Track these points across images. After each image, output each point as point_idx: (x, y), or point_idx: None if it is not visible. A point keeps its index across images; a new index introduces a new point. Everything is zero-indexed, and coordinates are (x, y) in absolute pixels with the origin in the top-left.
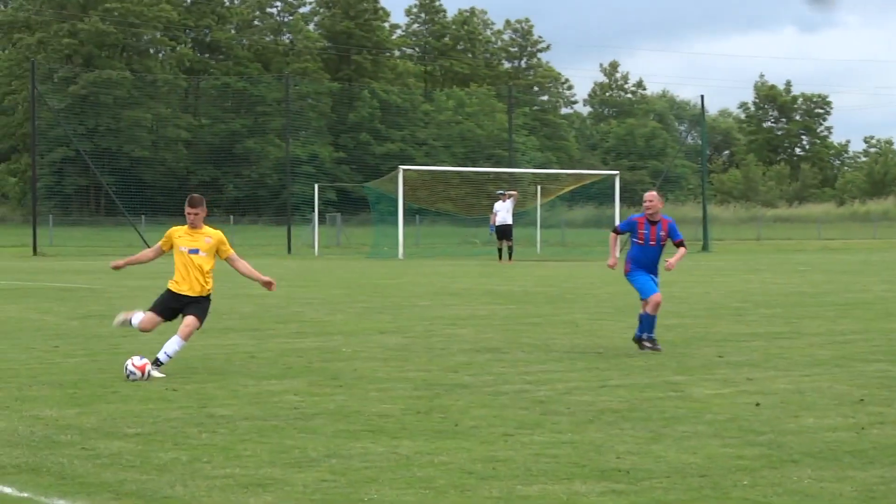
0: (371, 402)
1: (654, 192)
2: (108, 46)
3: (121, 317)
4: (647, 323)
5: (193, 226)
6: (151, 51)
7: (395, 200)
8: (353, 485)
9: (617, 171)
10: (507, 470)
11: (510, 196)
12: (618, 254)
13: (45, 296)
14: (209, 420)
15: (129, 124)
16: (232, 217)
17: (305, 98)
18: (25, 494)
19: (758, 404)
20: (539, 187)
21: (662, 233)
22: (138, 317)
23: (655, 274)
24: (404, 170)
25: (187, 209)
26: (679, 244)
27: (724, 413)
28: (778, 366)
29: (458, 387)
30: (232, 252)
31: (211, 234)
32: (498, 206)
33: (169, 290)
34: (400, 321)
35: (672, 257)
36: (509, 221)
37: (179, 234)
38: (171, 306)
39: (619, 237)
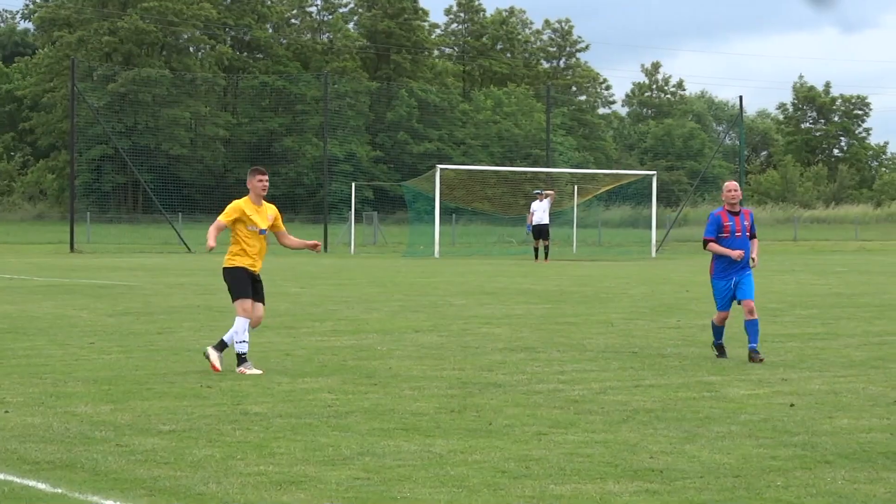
0: (405, 401)
1: (735, 182)
2: (147, 45)
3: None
4: (715, 331)
5: (262, 198)
6: (191, 49)
7: (432, 199)
8: (387, 483)
9: (654, 172)
10: (541, 469)
11: (547, 196)
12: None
13: (82, 292)
14: (243, 417)
15: (168, 122)
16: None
17: (344, 97)
18: (59, 490)
19: (792, 405)
20: (576, 187)
21: (747, 222)
22: (243, 323)
23: (744, 266)
24: (442, 169)
25: (259, 177)
26: (753, 236)
27: (758, 413)
28: (813, 367)
29: (492, 385)
30: (283, 227)
31: (271, 211)
32: (535, 205)
33: (245, 269)
34: (435, 320)
35: (753, 253)
36: (546, 221)
37: (250, 213)
38: (252, 283)
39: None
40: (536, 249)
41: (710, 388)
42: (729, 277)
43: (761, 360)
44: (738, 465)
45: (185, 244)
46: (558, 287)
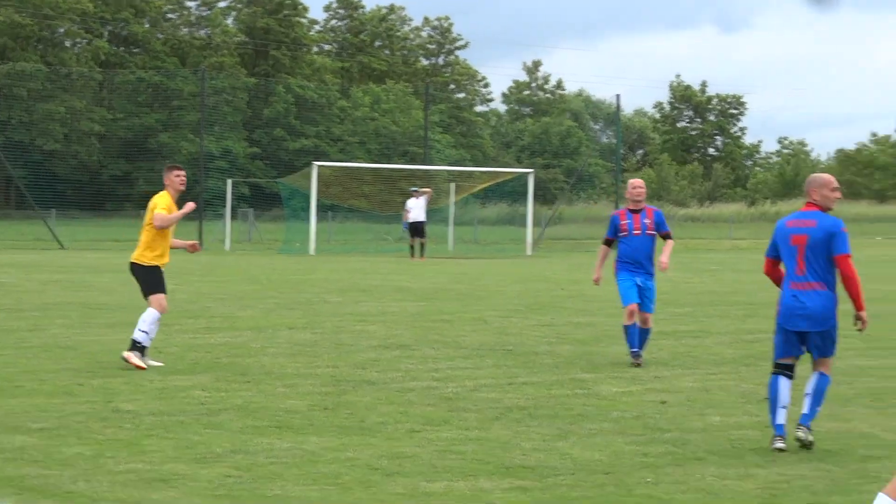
0: (278, 398)
1: (641, 180)
2: (22, 38)
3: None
4: (632, 336)
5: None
6: (67, 43)
7: (309, 196)
8: (258, 480)
9: (531, 170)
10: (413, 466)
11: (424, 193)
12: (602, 268)
13: None
14: (114, 415)
15: (42, 117)
16: (143, 212)
17: (221, 93)
18: None
19: (664, 402)
20: (453, 185)
21: (648, 220)
22: (154, 315)
23: (648, 269)
24: (318, 166)
25: (177, 172)
26: (666, 236)
27: (630, 411)
28: (685, 364)
29: (365, 383)
30: None
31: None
32: (411, 203)
33: (160, 269)
34: (309, 317)
35: (663, 255)
36: (422, 219)
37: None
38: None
39: (608, 249)
40: (412, 247)
41: (582, 385)
42: (632, 276)
43: (638, 365)
44: (609, 462)
45: (58, 241)
46: (433, 284)
